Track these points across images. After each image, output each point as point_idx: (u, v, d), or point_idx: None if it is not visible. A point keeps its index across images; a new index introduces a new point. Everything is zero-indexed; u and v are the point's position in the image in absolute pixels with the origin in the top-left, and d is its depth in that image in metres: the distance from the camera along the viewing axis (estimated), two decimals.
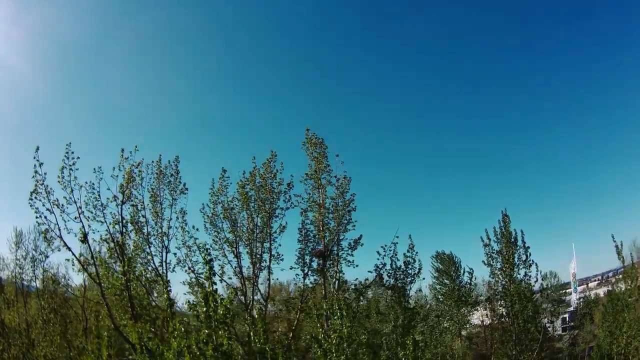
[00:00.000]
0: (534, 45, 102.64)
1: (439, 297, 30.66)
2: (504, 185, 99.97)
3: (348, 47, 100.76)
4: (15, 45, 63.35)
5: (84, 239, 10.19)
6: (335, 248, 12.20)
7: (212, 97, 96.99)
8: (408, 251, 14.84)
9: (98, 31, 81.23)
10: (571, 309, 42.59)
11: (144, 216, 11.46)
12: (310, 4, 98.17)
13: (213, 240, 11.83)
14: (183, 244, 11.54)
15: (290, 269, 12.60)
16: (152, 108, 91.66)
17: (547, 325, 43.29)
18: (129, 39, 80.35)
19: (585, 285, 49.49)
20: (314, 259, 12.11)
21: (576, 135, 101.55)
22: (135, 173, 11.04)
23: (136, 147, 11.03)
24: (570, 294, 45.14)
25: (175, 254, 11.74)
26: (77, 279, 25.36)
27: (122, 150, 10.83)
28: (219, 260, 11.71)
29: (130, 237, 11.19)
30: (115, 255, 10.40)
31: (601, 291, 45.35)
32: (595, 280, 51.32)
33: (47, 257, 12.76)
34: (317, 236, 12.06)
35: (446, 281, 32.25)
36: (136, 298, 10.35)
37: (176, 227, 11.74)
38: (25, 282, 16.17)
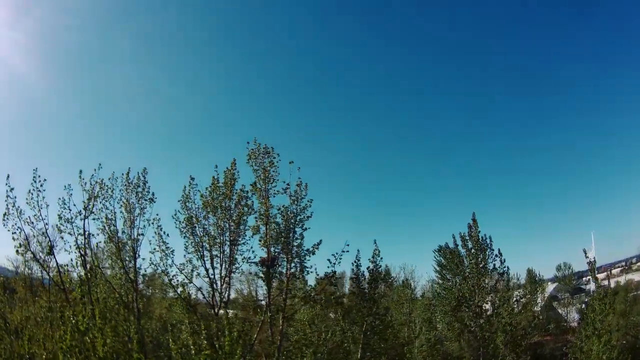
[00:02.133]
0: (535, 44, 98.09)
1: (441, 292, 30.75)
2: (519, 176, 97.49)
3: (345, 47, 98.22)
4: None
5: (50, 251, 11.69)
6: (283, 255, 12.78)
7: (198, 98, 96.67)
8: (373, 257, 15.39)
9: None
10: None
11: (114, 225, 12.59)
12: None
13: (186, 244, 12.49)
14: (158, 247, 12.32)
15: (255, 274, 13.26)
16: (144, 111, 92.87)
17: (564, 316, 42.53)
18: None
19: (608, 272, 48.03)
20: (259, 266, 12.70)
21: (596, 120, 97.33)
22: (96, 190, 12.23)
23: (100, 164, 12.35)
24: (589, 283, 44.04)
25: (144, 258, 12.75)
26: None
27: (80, 171, 12.10)
28: (192, 263, 12.33)
29: (98, 246, 12.54)
30: (79, 263, 11.71)
31: (622, 279, 43.95)
32: (618, 267, 49.74)
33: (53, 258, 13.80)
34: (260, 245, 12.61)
35: (449, 276, 32.30)
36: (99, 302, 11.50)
37: (145, 234, 12.74)
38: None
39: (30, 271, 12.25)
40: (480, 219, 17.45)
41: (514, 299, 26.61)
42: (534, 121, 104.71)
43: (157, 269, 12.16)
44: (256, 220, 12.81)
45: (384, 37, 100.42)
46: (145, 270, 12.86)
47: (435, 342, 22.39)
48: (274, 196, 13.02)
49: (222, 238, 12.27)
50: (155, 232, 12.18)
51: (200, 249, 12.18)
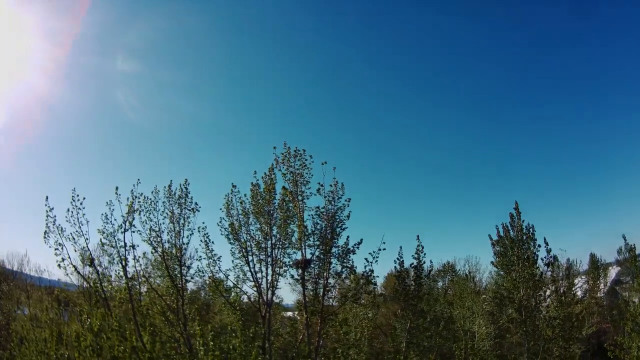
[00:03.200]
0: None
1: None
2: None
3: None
4: None
5: (91, 263, 12.36)
6: (322, 256, 12.66)
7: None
8: (416, 253, 14.78)
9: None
10: None
11: (159, 235, 13.06)
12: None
13: (232, 250, 12.81)
14: (205, 255, 12.74)
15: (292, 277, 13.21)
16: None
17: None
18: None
19: None
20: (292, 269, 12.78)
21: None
22: (136, 204, 12.67)
23: (138, 180, 12.85)
24: None
25: (189, 267, 13.30)
26: None
27: (117, 188, 12.47)
28: (239, 269, 12.68)
29: (145, 256, 13.02)
30: (121, 273, 12.37)
31: None
32: None
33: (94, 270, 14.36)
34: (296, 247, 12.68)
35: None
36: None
37: (191, 242, 13.26)
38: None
39: (88, 284, 12.68)
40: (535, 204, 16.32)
41: (568, 288, 24.97)
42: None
43: (204, 275, 12.68)
44: (291, 223, 12.80)
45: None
46: (192, 278, 13.30)
47: (495, 336, 21.46)
48: (308, 198, 12.96)
49: (266, 242, 12.50)
50: (202, 240, 12.56)
51: (246, 254, 12.46)
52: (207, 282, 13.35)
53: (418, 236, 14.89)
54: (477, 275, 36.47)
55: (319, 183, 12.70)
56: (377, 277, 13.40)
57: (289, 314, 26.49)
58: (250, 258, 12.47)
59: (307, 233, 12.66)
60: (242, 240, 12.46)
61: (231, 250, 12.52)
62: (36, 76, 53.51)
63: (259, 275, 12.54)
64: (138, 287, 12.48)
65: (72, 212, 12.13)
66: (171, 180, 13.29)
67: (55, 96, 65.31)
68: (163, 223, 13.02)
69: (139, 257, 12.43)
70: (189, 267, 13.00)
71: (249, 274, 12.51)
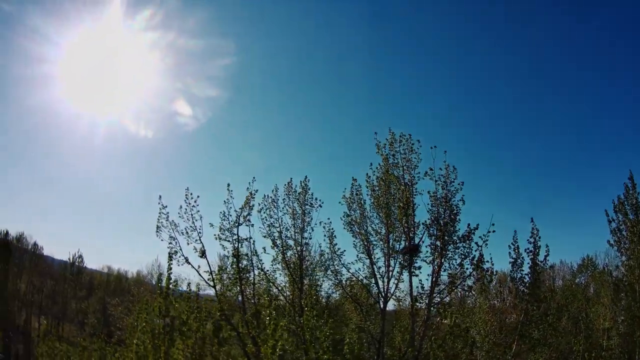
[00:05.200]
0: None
1: None
2: None
3: None
4: None
5: (202, 255, 12.63)
6: (438, 243, 12.20)
7: None
8: (531, 237, 13.77)
9: None
10: None
11: (278, 231, 13.32)
12: None
13: (354, 243, 12.87)
14: (328, 249, 13.05)
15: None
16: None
17: None
18: None
19: None
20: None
21: None
22: (250, 201, 12.88)
23: (254, 178, 13.01)
24: None
25: (310, 261, 13.71)
26: None
27: (228, 185, 12.77)
28: (361, 262, 12.70)
29: (264, 250, 13.25)
30: (234, 267, 12.77)
31: None
32: None
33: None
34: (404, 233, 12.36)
35: None
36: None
37: (313, 238, 13.51)
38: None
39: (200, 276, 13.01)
40: None
41: None
42: None
43: (327, 269, 12.99)
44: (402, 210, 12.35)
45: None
46: (313, 271, 13.63)
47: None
48: (417, 183, 12.57)
49: (387, 234, 12.39)
50: (325, 235, 12.76)
51: (367, 247, 12.42)
52: (328, 275, 13.39)
53: (532, 219, 13.90)
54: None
55: (430, 168, 12.24)
56: (487, 261, 12.68)
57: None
58: (372, 250, 12.46)
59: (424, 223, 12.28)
60: (363, 232, 12.46)
61: (353, 243, 12.54)
62: None
63: (379, 267, 12.46)
64: (253, 279, 12.79)
65: (185, 209, 12.55)
66: (291, 178, 13.55)
67: None
68: (282, 218, 13.33)
69: (255, 251, 12.78)
70: (309, 261, 13.30)
71: (368, 267, 12.47)
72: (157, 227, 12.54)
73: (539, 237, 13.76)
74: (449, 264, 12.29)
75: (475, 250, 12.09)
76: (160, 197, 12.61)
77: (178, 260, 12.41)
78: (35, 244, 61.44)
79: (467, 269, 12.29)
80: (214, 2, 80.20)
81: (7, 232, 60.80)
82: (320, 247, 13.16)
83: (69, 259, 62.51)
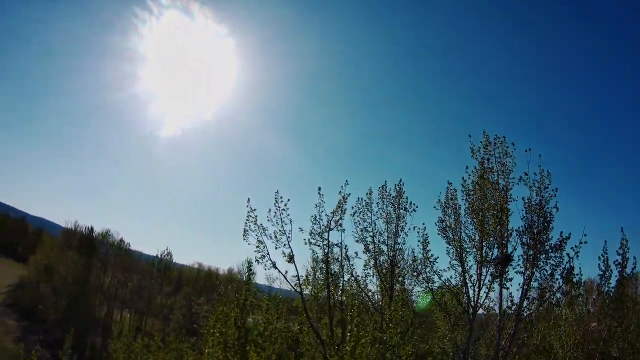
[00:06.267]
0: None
1: None
2: None
3: None
4: None
5: (291, 260, 12.41)
6: (530, 253, 11.73)
7: None
8: (620, 248, 13.37)
9: None
10: None
11: (372, 236, 13.18)
12: None
13: (448, 249, 12.52)
14: (422, 255, 12.63)
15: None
16: None
17: None
18: None
19: None
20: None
21: None
22: (343, 205, 12.58)
23: (347, 181, 12.74)
24: None
25: (399, 266, 13.33)
26: None
27: (320, 189, 12.53)
28: (453, 269, 12.34)
29: (356, 255, 13.06)
30: (324, 273, 12.69)
31: None
32: None
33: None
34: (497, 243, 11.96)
35: None
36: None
37: (407, 243, 13.33)
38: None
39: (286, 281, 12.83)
40: None
41: None
42: None
43: (419, 275, 12.57)
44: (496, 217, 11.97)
45: None
46: (403, 278, 13.26)
47: None
48: (512, 188, 12.06)
49: (480, 241, 12.00)
50: (419, 241, 12.36)
51: (461, 254, 12.08)
52: (419, 282, 13.06)
53: (622, 229, 13.51)
54: None
55: (525, 172, 11.74)
56: (577, 274, 12.28)
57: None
58: (465, 257, 12.06)
59: (517, 230, 11.80)
60: (457, 238, 12.10)
61: (447, 249, 12.20)
62: None
63: (470, 275, 12.06)
64: (342, 285, 12.56)
65: (274, 212, 12.35)
66: (386, 181, 13.40)
67: None
68: (376, 223, 13.14)
69: (347, 256, 12.51)
70: (400, 267, 12.96)
71: (460, 274, 12.09)
72: (245, 230, 12.38)
73: (628, 249, 13.38)
74: (540, 274, 11.92)
75: (567, 263, 11.60)
76: (249, 200, 12.47)
77: (265, 265, 12.26)
78: (122, 241, 63.67)
79: (557, 280, 11.97)
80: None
81: (92, 229, 63.82)
82: (413, 252, 12.86)
83: (157, 255, 64.83)
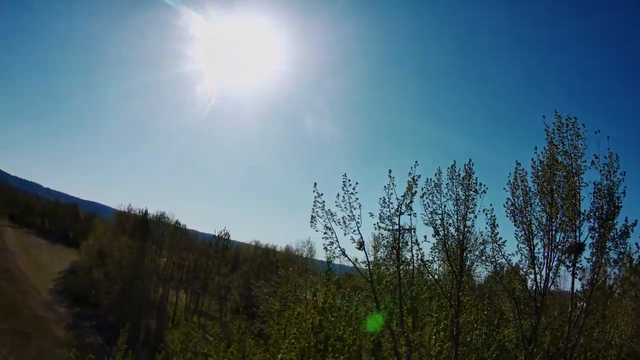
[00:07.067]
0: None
1: None
2: None
3: None
4: None
5: (361, 247, 12.07)
6: (598, 240, 11.44)
7: None
8: None
9: None
10: None
11: (441, 218, 12.59)
12: None
13: (516, 232, 12.15)
14: (491, 239, 12.20)
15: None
16: None
17: None
18: None
19: None
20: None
21: None
22: (413, 187, 12.08)
23: (416, 162, 12.28)
24: None
25: (470, 251, 12.71)
26: None
27: (390, 171, 12.05)
28: (520, 252, 11.95)
29: (425, 238, 12.45)
30: (393, 257, 12.45)
31: None
32: None
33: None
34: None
35: None
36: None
37: (476, 226, 12.61)
38: None
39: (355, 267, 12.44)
40: None
41: None
42: None
43: (487, 260, 12.22)
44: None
45: None
46: (473, 263, 12.88)
47: None
48: (583, 172, 11.70)
49: (549, 224, 11.63)
50: (487, 223, 11.95)
51: (529, 237, 11.70)
52: (486, 265, 12.75)
53: None
54: None
55: (595, 155, 11.45)
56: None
57: None
58: (534, 241, 11.69)
59: (583, 213, 11.48)
60: (526, 221, 11.73)
61: (515, 232, 11.85)
62: None
63: (538, 259, 11.70)
64: (412, 270, 12.30)
65: (343, 197, 11.92)
66: (455, 161, 12.86)
67: None
68: (445, 205, 12.57)
69: (416, 240, 12.07)
70: (470, 252, 12.47)
71: (527, 258, 11.71)
72: (312, 217, 12.00)
73: None
74: (609, 266, 11.80)
75: (635, 252, 11.59)
76: (315, 184, 11.99)
77: (334, 252, 11.93)
78: (177, 222, 62.90)
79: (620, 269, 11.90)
80: None
81: (146, 211, 63.55)
82: (481, 234, 12.42)
83: (214, 235, 63.66)
